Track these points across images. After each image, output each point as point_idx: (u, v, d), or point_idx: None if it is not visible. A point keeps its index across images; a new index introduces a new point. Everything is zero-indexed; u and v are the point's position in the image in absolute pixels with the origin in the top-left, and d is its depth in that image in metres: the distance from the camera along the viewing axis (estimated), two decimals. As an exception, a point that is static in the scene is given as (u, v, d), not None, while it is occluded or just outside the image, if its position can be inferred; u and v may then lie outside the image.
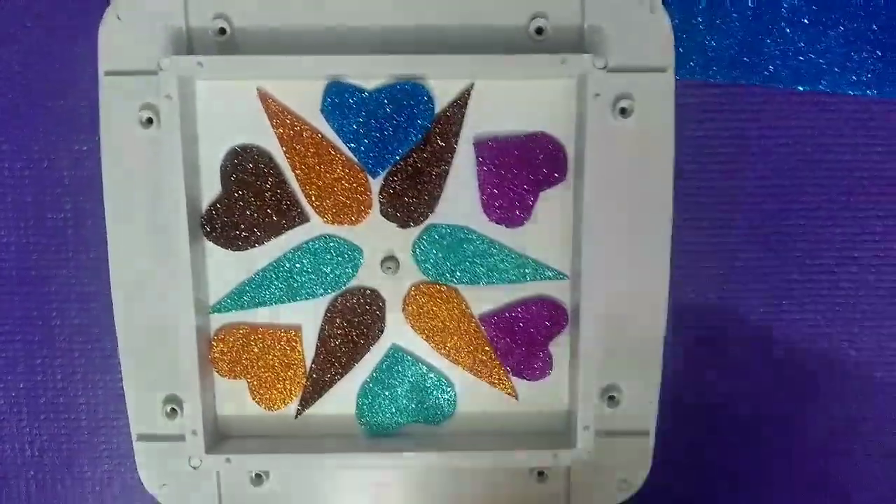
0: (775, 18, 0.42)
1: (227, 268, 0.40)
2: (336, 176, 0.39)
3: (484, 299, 0.41)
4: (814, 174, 0.44)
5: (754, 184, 0.44)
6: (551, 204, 0.40)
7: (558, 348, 0.41)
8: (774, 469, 0.46)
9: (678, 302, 0.41)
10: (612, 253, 0.39)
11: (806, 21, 0.42)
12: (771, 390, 0.46)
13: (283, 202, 0.39)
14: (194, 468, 0.39)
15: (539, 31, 0.38)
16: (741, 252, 0.44)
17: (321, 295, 0.40)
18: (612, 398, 0.41)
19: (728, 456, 0.46)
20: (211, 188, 0.39)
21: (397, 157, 0.39)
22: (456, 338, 0.41)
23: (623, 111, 0.38)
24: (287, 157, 0.39)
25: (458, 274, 0.40)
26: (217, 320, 0.40)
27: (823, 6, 0.42)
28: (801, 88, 0.42)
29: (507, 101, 0.39)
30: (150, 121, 0.38)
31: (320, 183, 0.39)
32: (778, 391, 0.46)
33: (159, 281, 0.39)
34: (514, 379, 0.41)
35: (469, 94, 0.39)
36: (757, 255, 0.45)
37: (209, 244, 0.39)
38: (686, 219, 0.42)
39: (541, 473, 0.42)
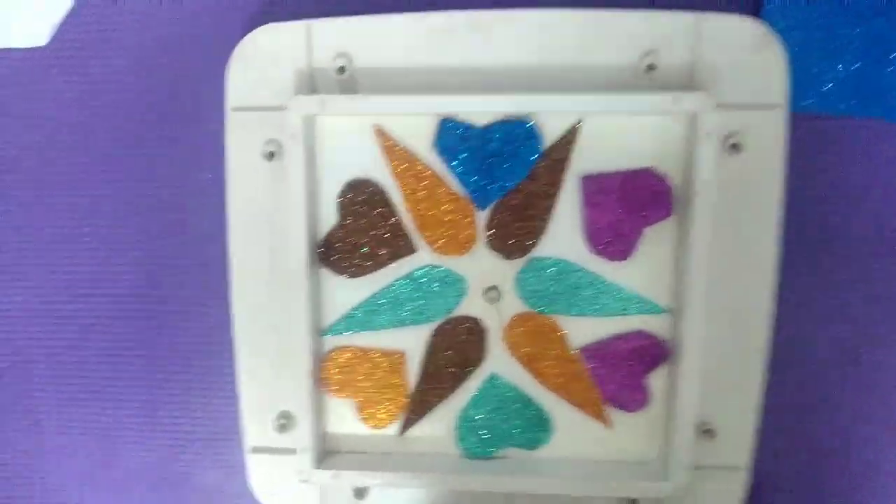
0: (894, 48, 0.41)
1: (341, 293, 0.42)
2: (445, 208, 0.40)
3: (585, 330, 0.41)
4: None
5: (869, 222, 0.42)
6: (653, 238, 0.40)
7: (655, 380, 0.41)
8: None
9: (781, 339, 0.41)
10: (717, 289, 0.39)
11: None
12: (872, 426, 0.45)
13: (395, 233, 0.41)
14: (303, 482, 0.41)
15: (650, 67, 0.38)
16: (851, 293, 0.43)
17: (426, 322, 0.42)
18: (707, 432, 0.41)
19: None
20: (328, 218, 0.41)
21: (504, 192, 0.40)
22: (554, 367, 0.42)
23: (734, 146, 0.38)
24: (400, 191, 0.40)
25: (560, 305, 0.41)
26: (329, 342, 0.42)
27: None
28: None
29: (613, 136, 0.39)
30: (272, 154, 0.40)
31: (430, 215, 0.40)
32: (881, 427, 0.45)
33: (277, 303, 0.41)
34: (609, 409, 0.42)
35: (576, 131, 0.39)
36: (867, 296, 0.43)
37: (325, 270, 0.41)
38: (794, 257, 0.41)
39: (633, 502, 0.42)
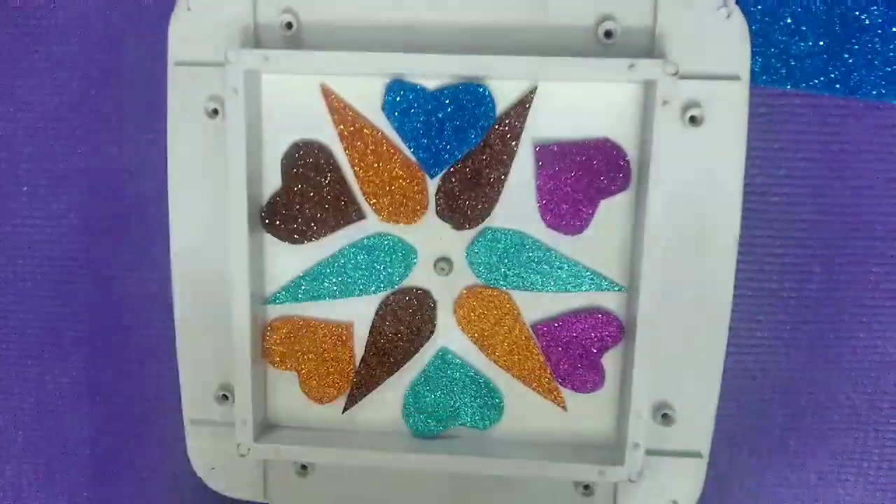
0: (862, 26, 0.40)
1: (284, 261, 0.40)
2: (394, 174, 0.39)
3: (537, 307, 0.40)
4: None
5: (830, 201, 0.42)
6: (609, 212, 0.39)
7: (611, 361, 0.40)
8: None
9: (740, 320, 0.39)
10: (674, 266, 0.38)
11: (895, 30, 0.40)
12: (841, 409, 0.44)
13: (341, 198, 0.39)
14: (242, 455, 0.40)
15: (608, 34, 0.37)
16: (812, 273, 0.42)
17: (374, 292, 0.40)
18: (665, 416, 0.39)
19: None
20: (272, 181, 0.39)
21: (456, 159, 0.38)
22: (506, 344, 0.40)
23: (693, 119, 0.37)
24: (347, 154, 0.39)
25: (512, 279, 0.39)
26: (271, 312, 0.41)
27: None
28: (890, 102, 0.40)
29: (570, 104, 0.38)
30: (215, 112, 0.38)
31: (378, 181, 0.39)
32: (846, 409, 0.44)
33: (218, 270, 0.39)
34: (563, 390, 0.41)
35: (532, 97, 0.38)
36: (829, 276, 0.42)
37: (268, 236, 0.40)
38: (754, 235, 0.40)
39: (586, 487, 0.41)
